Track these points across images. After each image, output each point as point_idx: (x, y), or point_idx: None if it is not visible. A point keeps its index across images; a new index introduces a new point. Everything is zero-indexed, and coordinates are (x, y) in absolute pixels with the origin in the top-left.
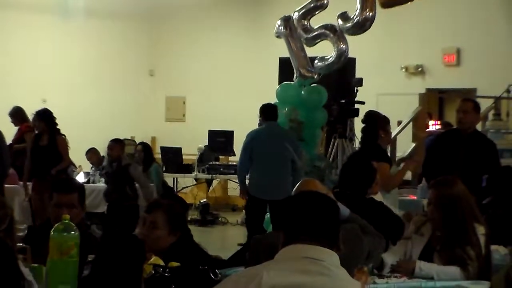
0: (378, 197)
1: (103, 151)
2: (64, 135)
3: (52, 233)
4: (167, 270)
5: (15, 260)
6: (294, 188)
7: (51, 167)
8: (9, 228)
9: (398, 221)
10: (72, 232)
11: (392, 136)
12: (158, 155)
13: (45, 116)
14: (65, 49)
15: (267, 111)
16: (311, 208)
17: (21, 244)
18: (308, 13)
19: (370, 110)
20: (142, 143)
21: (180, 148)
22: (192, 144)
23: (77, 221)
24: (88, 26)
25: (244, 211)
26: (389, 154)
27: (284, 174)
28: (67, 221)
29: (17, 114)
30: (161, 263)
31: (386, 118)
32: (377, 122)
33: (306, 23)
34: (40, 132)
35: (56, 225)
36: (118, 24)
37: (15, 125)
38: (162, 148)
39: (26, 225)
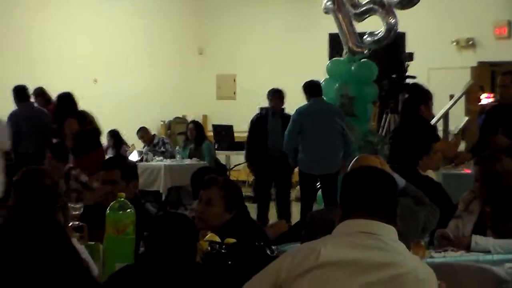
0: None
1: (155, 130)
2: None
3: (108, 211)
4: (223, 246)
5: (67, 238)
6: (351, 164)
7: None
8: (63, 206)
9: (448, 200)
10: (128, 210)
11: (445, 110)
12: (210, 133)
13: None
14: (115, 29)
15: (312, 88)
16: (369, 183)
17: (77, 223)
18: None
19: (414, 83)
20: (194, 122)
21: (232, 125)
22: (243, 122)
23: (127, 197)
24: (138, 5)
25: (298, 187)
26: (441, 129)
27: (334, 149)
28: (122, 199)
29: (43, 95)
30: (217, 239)
31: (429, 93)
32: (419, 96)
33: None
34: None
35: (112, 203)
36: (168, 3)
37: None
38: (213, 126)
39: (82, 204)
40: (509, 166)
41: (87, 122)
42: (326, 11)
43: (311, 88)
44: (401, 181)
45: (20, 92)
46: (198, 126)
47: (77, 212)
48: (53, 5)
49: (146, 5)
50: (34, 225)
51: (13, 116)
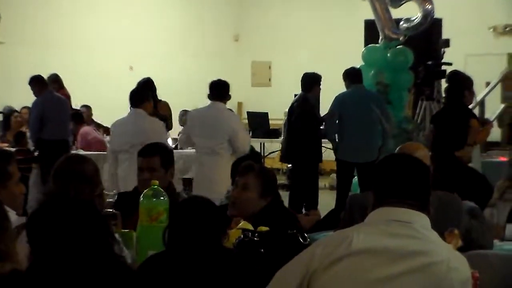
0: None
1: None
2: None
3: (142, 199)
4: (256, 234)
5: (107, 225)
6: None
7: None
8: (100, 194)
9: (487, 186)
10: (161, 198)
11: (481, 97)
12: (245, 120)
13: None
14: (149, 16)
15: (352, 75)
16: (401, 171)
17: (111, 210)
18: None
19: (454, 70)
20: None
21: (267, 113)
22: (278, 109)
23: (163, 185)
24: None
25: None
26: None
27: (372, 137)
28: (156, 186)
29: (57, 81)
30: (250, 227)
31: (470, 78)
32: (462, 82)
33: None
34: None
35: (145, 191)
36: None
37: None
38: (248, 113)
39: (116, 191)
40: None
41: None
42: None
43: (352, 75)
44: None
45: (40, 81)
46: None
47: (111, 200)
48: None
49: None
50: (75, 211)
51: (38, 105)
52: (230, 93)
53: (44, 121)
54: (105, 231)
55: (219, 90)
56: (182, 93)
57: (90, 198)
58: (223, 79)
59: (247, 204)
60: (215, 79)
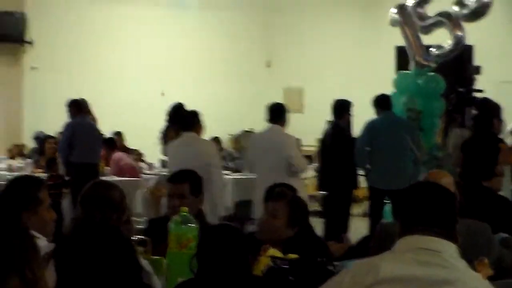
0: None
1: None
2: None
3: (171, 225)
4: (285, 262)
5: (134, 252)
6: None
7: None
8: (128, 220)
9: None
10: (191, 225)
11: None
12: None
13: None
14: (181, 41)
15: (382, 102)
16: (427, 199)
17: (141, 237)
18: (424, 1)
19: (483, 98)
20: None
21: (299, 139)
22: (310, 135)
23: (192, 212)
24: (203, 18)
25: (366, 202)
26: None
27: (403, 164)
28: (185, 213)
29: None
30: (279, 255)
31: (499, 106)
32: (490, 110)
33: (421, 10)
34: None
35: (174, 217)
36: (234, 15)
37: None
38: None
39: (146, 218)
40: None
41: None
42: (393, 23)
43: (383, 102)
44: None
45: (75, 105)
46: None
47: (141, 226)
48: (123, 19)
49: (214, 18)
50: (102, 238)
51: (68, 127)
52: (262, 118)
53: (73, 144)
54: (131, 258)
55: (275, 114)
56: (213, 118)
57: (117, 224)
58: (279, 102)
59: (274, 231)
60: (273, 102)
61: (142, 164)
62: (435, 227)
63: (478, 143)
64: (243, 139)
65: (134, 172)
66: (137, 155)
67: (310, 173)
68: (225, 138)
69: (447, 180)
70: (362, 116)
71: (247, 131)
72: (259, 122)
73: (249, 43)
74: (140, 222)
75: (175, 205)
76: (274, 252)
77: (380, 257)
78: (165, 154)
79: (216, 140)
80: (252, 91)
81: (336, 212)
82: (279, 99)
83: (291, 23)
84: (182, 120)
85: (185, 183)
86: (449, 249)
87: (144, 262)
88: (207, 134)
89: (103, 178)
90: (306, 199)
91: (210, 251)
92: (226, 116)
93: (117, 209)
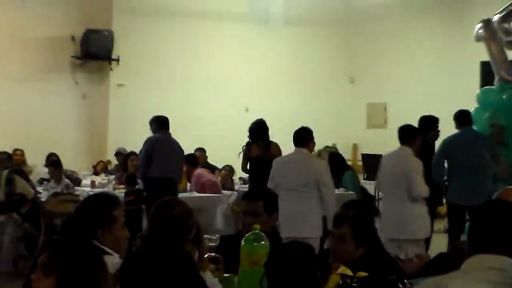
0: None
1: None
2: None
3: (243, 243)
4: (355, 280)
5: (195, 270)
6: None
7: None
8: (197, 237)
9: None
10: (263, 242)
11: None
12: (359, 163)
13: None
14: (265, 56)
15: (462, 117)
16: (497, 218)
17: (213, 254)
18: (509, 16)
19: None
20: (330, 153)
21: (381, 155)
22: None
23: (265, 229)
24: (287, 33)
25: (446, 218)
26: None
27: (482, 180)
28: (257, 231)
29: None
30: (349, 273)
31: None
32: None
33: (507, 26)
34: None
35: (246, 235)
36: (317, 31)
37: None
38: (363, 155)
39: (218, 236)
40: None
41: None
42: (478, 39)
43: (462, 117)
44: None
45: (159, 121)
46: (333, 157)
47: (214, 244)
48: (208, 35)
49: (296, 33)
50: (162, 255)
51: (147, 142)
52: (346, 134)
53: (152, 159)
54: (190, 275)
55: (300, 138)
56: None
57: (180, 241)
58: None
59: (345, 255)
60: (406, 124)
61: (234, 179)
62: (504, 247)
63: None
64: (323, 154)
65: (215, 188)
66: (228, 171)
67: None
68: None
69: None
70: (446, 131)
71: (328, 147)
72: (343, 137)
73: (333, 59)
74: (212, 239)
75: (249, 223)
76: (344, 270)
77: (449, 276)
78: (246, 170)
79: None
80: (336, 107)
81: None
82: (363, 115)
83: (373, 39)
84: (295, 137)
85: (259, 200)
86: None
87: (214, 280)
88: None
89: (184, 194)
90: (427, 227)
91: (279, 269)
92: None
93: (180, 226)
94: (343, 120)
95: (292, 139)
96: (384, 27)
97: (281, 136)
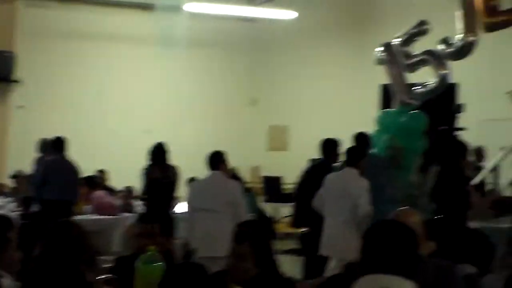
0: None
1: None
2: None
3: (138, 264)
4: None
5: None
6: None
7: None
8: (91, 259)
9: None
10: (157, 263)
11: (495, 162)
12: (259, 185)
13: None
14: (168, 79)
15: (357, 139)
16: (387, 239)
17: (108, 275)
18: (409, 39)
19: (453, 136)
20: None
21: (280, 177)
22: (294, 173)
23: (161, 251)
24: (190, 56)
25: None
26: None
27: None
28: (152, 252)
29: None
30: None
31: (466, 146)
32: (458, 148)
33: (406, 49)
34: None
35: (141, 256)
36: (220, 54)
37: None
38: (263, 177)
39: (113, 256)
40: None
41: None
42: (378, 62)
43: (357, 140)
44: None
45: (56, 143)
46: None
47: (108, 264)
48: (110, 57)
49: (201, 57)
50: (55, 276)
51: (41, 163)
52: (247, 156)
53: (47, 181)
54: None
55: (213, 161)
56: (197, 156)
57: (76, 263)
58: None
59: (242, 273)
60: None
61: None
62: (395, 267)
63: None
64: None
65: (114, 210)
66: (128, 193)
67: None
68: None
69: (414, 219)
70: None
71: (229, 169)
72: (245, 159)
73: (235, 81)
74: (106, 260)
75: (144, 244)
76: None
77: None
78: (146, 192)
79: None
80: (238, 129)
81: (315, 250)
82: (264, 137)
83: (276, 61)
84: (209, 160)
85: (155, 223)
86: None
87: None
88: (193, 172)
89: (81, 216)
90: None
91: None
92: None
93: (74, 248)
94: (245, 142)
95: (195, 161)
96: (285, 50)
97: (182, 158)
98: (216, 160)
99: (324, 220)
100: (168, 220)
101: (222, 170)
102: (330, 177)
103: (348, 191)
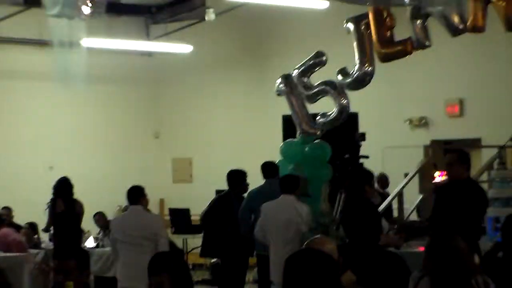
0: None
1: (111, 215)
2: None
3: None
4: None
5: None
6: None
7: None
8: None
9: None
10: None
11: (399, 188)
12: (166, 217)
13: None
14: (69, 115)
15: (266, 169)
16: (305, 266)
17: None
18: (307, 70)
19: (356, 164)
20: None
21: (188, 209)
22: (200, 205)
23: (78, 287)
24: (91, 92)
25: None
26: (395, 206)
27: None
28: None
29: None
30: None
31: (371, 173)
32: (362, 176)
33: (306, 80)
34: None
35: None
36: (122, 89)
37: None
38: (170, 209)
39: None
40: (461, 245)
41: None
42: (279, 93)
43: (265, 170)
44: None
45: None
46: None
47: None
48: (9, 92)
49: (101, 92)
50: None
51: None
52: (152, 189)
53: None
54: None
55: (133, 195)
56: (102, 190)
57: None
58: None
59: None
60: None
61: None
62: None
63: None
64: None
65: (21, 247)
66: (31, 229)
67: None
68: (113, 209)
69: (330, 247)
70: (255, 184)
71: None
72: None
73: (137, 115)
74: None
75: (61, 281)
76: None
77: None
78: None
79: (100, 214)
80: (141, 162)
81: (230, 280)
82: (168, 170)
83: (175, 94)
84: (128, 195)
85: (70, 259)
86: None
87: None
88: (98, 206)
89: None
90: None
91: None
92: (115, 188)
93: None
94: (150, 175)
95: (100, 195)
96: (184, 83)
97: (86, 193)
98: (136, 194)
99: (269, 248)
100: (83, 255)
101: (142, 204)
102: (269, 206)
103: (291, 219)
